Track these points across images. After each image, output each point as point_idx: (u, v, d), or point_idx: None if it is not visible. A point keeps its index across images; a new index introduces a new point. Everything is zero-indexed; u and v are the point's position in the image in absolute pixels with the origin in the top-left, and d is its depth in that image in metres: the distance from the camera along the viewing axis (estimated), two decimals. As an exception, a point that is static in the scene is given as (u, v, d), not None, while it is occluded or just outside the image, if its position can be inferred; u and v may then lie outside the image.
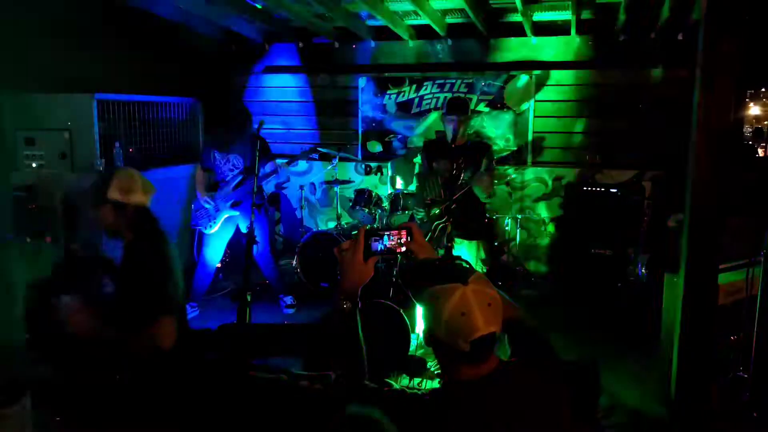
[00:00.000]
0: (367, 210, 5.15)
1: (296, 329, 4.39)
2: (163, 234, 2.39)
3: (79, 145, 4.67)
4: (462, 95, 5.73)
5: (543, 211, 5.84)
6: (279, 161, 4.64)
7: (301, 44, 6.39)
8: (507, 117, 5.84)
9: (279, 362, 3.46)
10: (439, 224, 3.74)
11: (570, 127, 5.50)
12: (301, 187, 5.86)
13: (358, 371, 1.59)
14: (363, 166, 6.32)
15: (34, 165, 4.68)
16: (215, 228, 4.55)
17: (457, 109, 3.87)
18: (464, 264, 1.55)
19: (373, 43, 6.17)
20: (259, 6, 5.41)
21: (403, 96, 6.16)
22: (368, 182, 6.16)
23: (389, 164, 6.00)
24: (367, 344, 1.61)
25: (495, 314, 1.46)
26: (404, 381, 3.56)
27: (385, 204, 5.07)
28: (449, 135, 3.92)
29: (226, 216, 4.54)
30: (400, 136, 6.19)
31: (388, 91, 6.19)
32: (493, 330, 1.44)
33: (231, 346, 3.59)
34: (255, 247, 3.84)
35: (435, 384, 3.50)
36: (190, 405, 2.22)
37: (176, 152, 5.71)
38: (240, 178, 4.49)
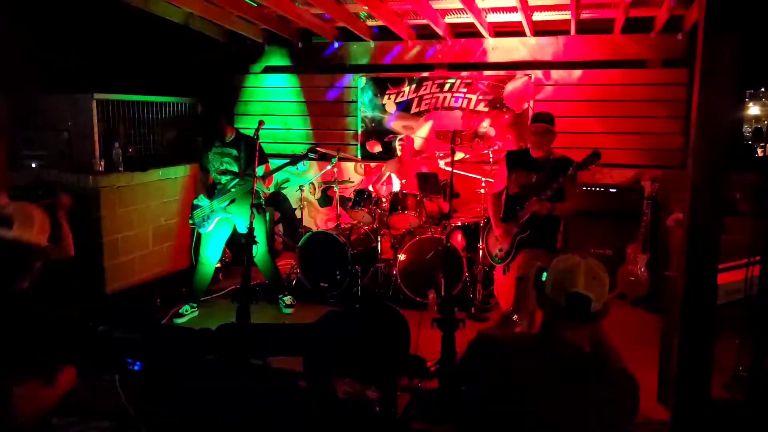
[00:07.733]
0: (367, 210, 5.14)
1: (296, 329, 4.38)
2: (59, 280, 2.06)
3: (78, 145, 4.67)
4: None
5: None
6: (274, 161, 4.67)
7: (300, 44, 6.39)
8: (507, 117, 5.84)
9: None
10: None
11: (569, 126, 5.48)
12: (301, 187, 5.85)
13: None
14: (362, 166, 6.32)
15: (33, 165, 4.68)
16: (210, 227, 4.55)
17: (541, 119, 3.77)
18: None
19: (372, 43, 6.17)
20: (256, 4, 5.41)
21: (403, 96, 6.15)
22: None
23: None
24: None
25: (598, 288, 1.69)
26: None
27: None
28: (532, 147, 3.83)
29: (221, 217, 4.54)
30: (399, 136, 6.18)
31: (388, 92, 6.19)
32: (590, 297, 1.66)
33: (230, 346, 3.58)
34: (254, 247, 3.84)
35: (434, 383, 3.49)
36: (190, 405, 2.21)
37: (174, 152, 5.71)
38: (237, 179, 4.48)
